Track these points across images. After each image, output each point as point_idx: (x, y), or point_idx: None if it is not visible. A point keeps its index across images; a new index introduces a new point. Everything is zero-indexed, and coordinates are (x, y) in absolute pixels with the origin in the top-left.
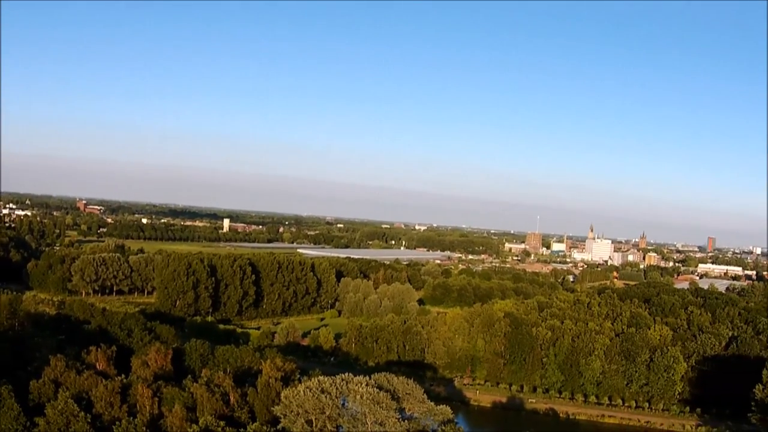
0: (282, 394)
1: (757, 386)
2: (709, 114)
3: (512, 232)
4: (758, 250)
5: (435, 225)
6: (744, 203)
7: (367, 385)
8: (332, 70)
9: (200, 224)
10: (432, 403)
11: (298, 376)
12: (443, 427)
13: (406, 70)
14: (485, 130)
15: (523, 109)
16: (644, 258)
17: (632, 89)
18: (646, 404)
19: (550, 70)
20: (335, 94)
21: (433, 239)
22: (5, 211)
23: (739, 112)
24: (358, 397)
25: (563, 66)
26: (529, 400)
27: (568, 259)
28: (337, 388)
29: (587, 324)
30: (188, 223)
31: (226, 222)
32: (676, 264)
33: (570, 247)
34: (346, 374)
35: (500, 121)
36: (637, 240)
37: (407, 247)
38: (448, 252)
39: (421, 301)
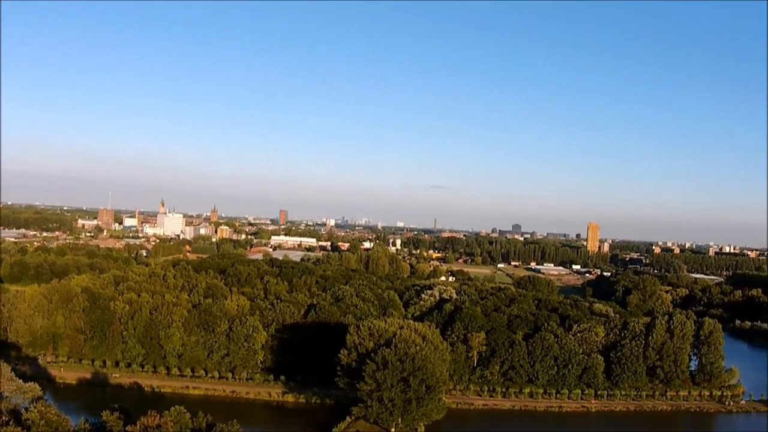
0: None
1: (342, 351)
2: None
3: (85, 208)
4: (332, 222)
5: (9, 203)
6: (315, 175)
7: None
8: None
9: None
10: (21, 381)
11: None
12: (34, 405)
13: None
14: (50, 102)
15: (83, 81)
16: (216, 231)
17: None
18: (230, 374)
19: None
20: None
21: (8, 217)
22: None
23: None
24: None
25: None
26: (113, 375)
27: (140, 234)
28: None
29: (164, 296)
30: None
31: None
32: (249, 236)
33: (142, 222)
34: None
35: (65, 94)
36: (208, 214)
37: None
38: (23, 230)
39: None
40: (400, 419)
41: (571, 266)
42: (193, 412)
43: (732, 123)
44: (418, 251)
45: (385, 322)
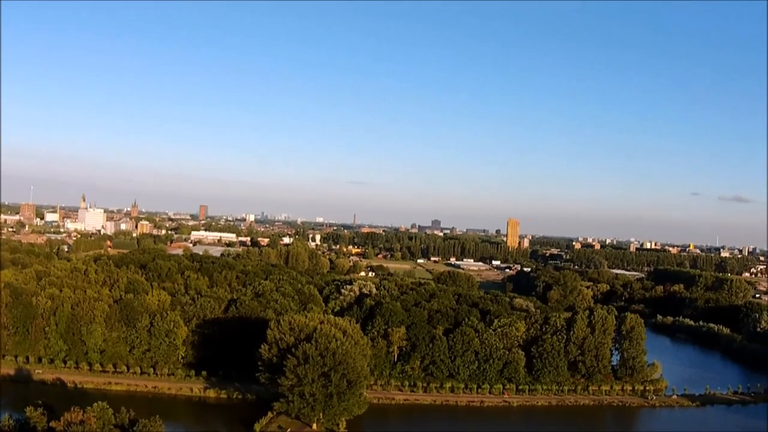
0: None
1: (263, 346)
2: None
3: (6, 203)
4: (251, 217)
5: None
6: (235, 171)
7: None
8: None
9: None
10: None
11: None
12: None
13: None
14: None
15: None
16: (137, 226)
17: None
18: (151, 370)
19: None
20: None
21: None
22: None
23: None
24: None
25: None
26: (37, 371)
27: (62, 230)
28: None
29: (86, 291)
30: None
31: None
32: (169, 232)
33: (63, 218)
34: None
35: None
36: (129, 209)
37: None
38: None
39: None
40: (321, 414)
41: (491, 262)
42: (115, 408)
43: (652, 119)
44: (338, 246)
45: (306, 317)
